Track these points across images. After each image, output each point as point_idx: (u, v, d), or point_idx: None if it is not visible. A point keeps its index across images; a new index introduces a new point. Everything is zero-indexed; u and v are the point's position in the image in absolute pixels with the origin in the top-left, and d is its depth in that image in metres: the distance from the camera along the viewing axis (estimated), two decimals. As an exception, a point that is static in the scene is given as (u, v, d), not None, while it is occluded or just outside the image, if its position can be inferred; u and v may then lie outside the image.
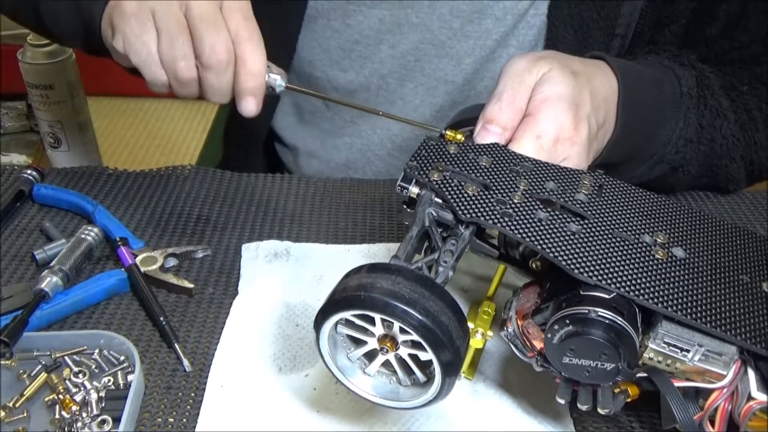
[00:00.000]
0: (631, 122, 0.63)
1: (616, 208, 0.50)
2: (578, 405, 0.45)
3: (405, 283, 0.40)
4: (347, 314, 0.42)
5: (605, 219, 0.49)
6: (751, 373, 0.42)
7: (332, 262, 0.66)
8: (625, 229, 0.48)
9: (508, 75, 0.57)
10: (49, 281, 0.58)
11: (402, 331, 0.41)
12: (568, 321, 0.42)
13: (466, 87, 0.83)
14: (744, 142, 0.74)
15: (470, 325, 0.50)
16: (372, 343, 0.44)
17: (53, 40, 0.84)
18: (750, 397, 0.42)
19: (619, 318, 0.42)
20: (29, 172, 0.74)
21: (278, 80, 0.58)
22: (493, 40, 0.80)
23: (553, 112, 0.54)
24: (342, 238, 0.70)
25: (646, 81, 0.68)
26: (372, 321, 0.42)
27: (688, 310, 0.43)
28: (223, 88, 0.57)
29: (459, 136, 0.55)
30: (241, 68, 0.56)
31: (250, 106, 0.57)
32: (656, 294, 0.43)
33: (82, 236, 0.63)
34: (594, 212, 0.49)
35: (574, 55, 0.62)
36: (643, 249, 0.47)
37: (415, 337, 0.40)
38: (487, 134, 0.54)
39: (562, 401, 0.46)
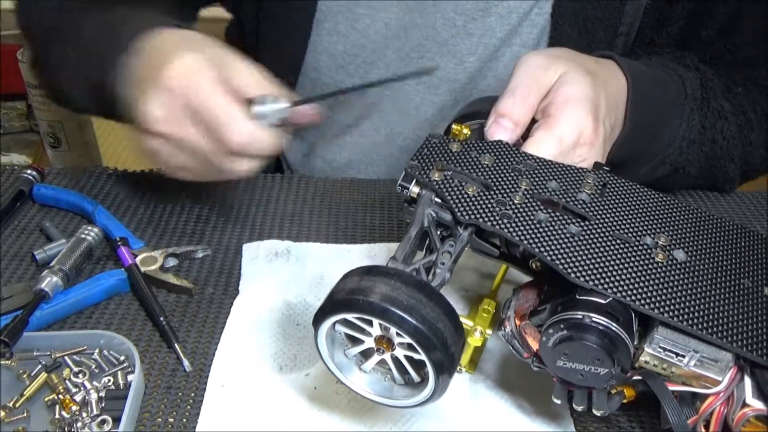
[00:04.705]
0: (638, 122, 0.62)
1: (619, 208, 0.49)
2: (573, 405, 0.45)
3: (403, 288, 0.40)
4: (345, 316, 0.42)
5: (606, 220, 0.48)
6: (747, 380, 0.42)
7: (333, 261, 0.66)
8: (626, 230, 0.48)
9: (523, 70, 0.56)
10: (49, 281, 0.58)
11: (398, 333, 0.41)
12: (562, 325, 0.42)
13: (469, 85, 0.83)
14: (741, 143, 0.75)
15: (470, 323, 0.50)
16: (369, 343, 0.44)
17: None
18: (745, 404, 0.41)
19: (614, 324, 0.41)
20: (29, 172, 0.73)
21: (281, 103, 0.56)
22: (497, 39, 0.80)
23: (575, 115, 0.53)
24: (342, 237, 0.70)
25: (652, 82, 0.68)
26: (370, 321, 0.42)
27: (685, 316, 0.42)
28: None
29: (465, 131, 0.54)
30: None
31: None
32: (653, 299, 0.43)
33: (82, 236, 0.63)
34: (596, 212, 0.48)
35: None
36: (644, 251, 0.46)
37: (410, 340, 0.41)
38: (498, 128, 0.54)
39: (557, 401, 0.46)
